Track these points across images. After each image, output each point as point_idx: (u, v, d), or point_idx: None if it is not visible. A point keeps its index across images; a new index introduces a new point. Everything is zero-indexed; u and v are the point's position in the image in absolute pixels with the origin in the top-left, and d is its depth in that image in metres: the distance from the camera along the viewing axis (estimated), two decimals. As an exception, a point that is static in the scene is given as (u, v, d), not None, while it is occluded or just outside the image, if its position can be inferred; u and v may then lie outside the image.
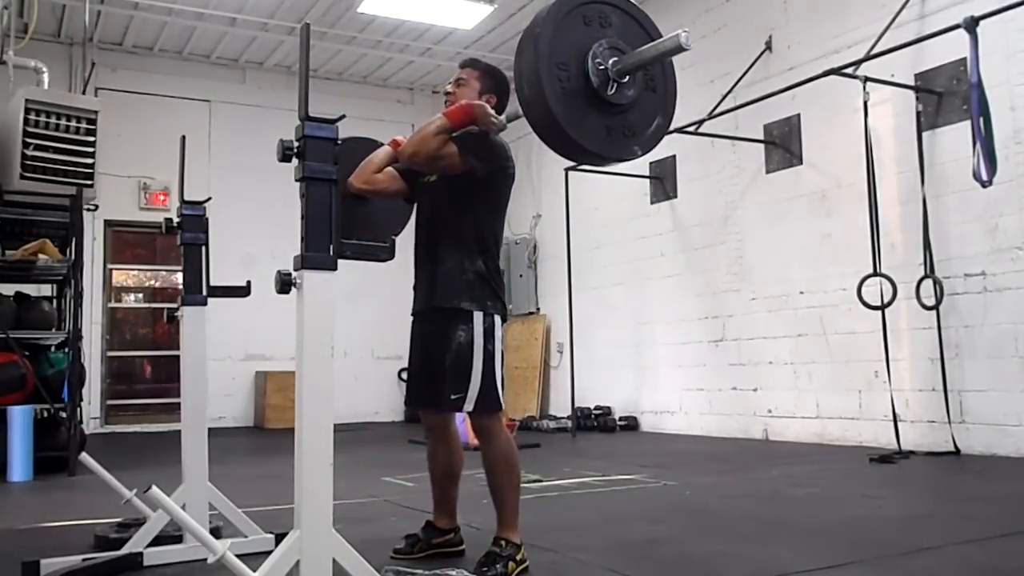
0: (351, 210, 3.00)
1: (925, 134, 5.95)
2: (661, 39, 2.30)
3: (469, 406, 2.71)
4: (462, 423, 7.26)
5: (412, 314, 2.95)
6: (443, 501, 3.03)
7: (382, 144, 3.01)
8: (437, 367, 2.75)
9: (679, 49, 2.17)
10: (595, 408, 8.80)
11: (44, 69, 6.58)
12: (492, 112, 2.71)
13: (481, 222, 2.82)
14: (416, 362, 2.90)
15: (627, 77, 2.31)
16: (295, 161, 2.03)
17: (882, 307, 5.73)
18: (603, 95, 2.28)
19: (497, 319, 2.77)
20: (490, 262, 2.81)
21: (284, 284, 1.95)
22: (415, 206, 3.05)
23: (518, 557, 2.67)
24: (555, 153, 2.43)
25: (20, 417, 5.46)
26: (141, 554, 2.87)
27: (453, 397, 2.71)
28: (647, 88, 2.42)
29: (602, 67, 2.28)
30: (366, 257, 2.08)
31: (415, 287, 2.95)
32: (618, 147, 2.38)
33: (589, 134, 2.30)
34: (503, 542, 2.68)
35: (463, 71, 2.99)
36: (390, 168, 2.92)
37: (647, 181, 8.66)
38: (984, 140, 4.92)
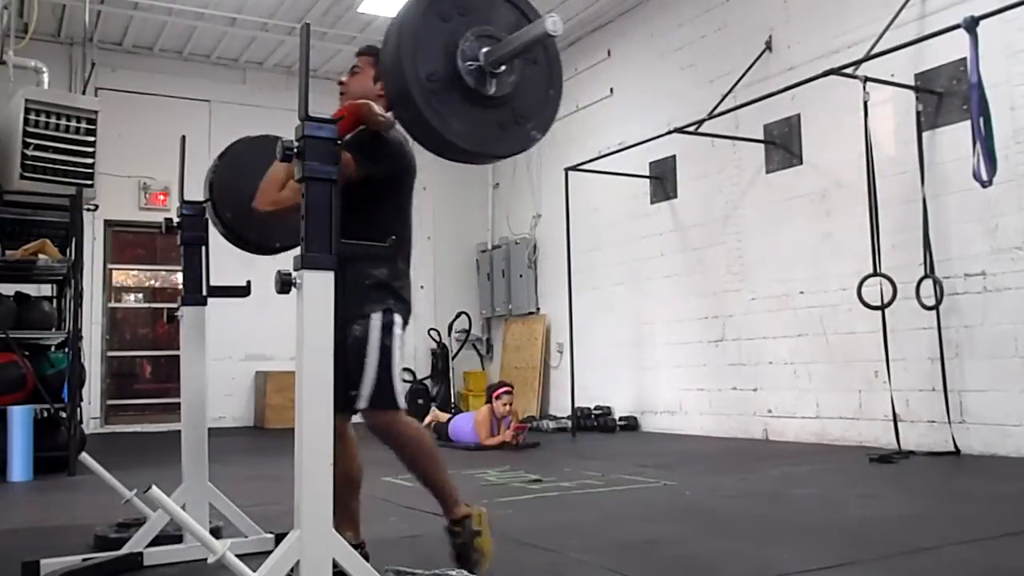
0: (263, 223, 2.95)
1: (925, 134, 5.95)
2: (527, 27, 2.09)
3: (363, 403, 2.57)
4: (464, 426, 7.29)
5: None
6: (344, 511, 2.71)
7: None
8: (338, 368, 2.66)
9: (547, 36, 1.98)
10: (595, 408, 8.80)
11: (44, 69, 6.58)
12: (378, 110, 2.50)
13: (383, 226, 2.59)
14: None
15: (503, 66, 2.11)
16: (295, 161, 2.03)
17: (882, 307, 5.73)
18: (484, 93, 2.09)
19: (397, 317, 2.62)
20: (394, 266, 2.68)
21: (284, 284, 1.95)
22: None
23: (475, 528, 2.64)
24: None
25: (20, 417, 5.46)
26: (141, 554, 2.87)
27: (352, 394, 2.56)
28: (528, 63, 2.20)
29: (472, 66, 2.07)
30: (367, 257, 2.08)
31: None
32: (515, 140, 2.20)
33: (482, 139, 2.12)
34: (455, 527, 2.64)
35: (359, 59, 2.85)
36: (293, 181, 2.74)
37: (647, 181, 8.66)
38: (984, 140, 4.91)
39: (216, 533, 3.01)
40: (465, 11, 2.11)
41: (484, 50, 2.08)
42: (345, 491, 2.66)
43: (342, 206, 2.51)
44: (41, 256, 5.85)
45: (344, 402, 2.53)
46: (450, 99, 2.05)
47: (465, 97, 2.08)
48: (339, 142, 2.35)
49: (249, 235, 3.15)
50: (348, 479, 2.72)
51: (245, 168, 2.93)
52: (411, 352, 11.12)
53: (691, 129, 7.32)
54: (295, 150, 2.00)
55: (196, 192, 3.16)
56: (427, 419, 8.02)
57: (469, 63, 2.07)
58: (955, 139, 5.73)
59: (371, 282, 2.61)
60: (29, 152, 5.72)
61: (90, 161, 5.97)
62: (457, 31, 2.08)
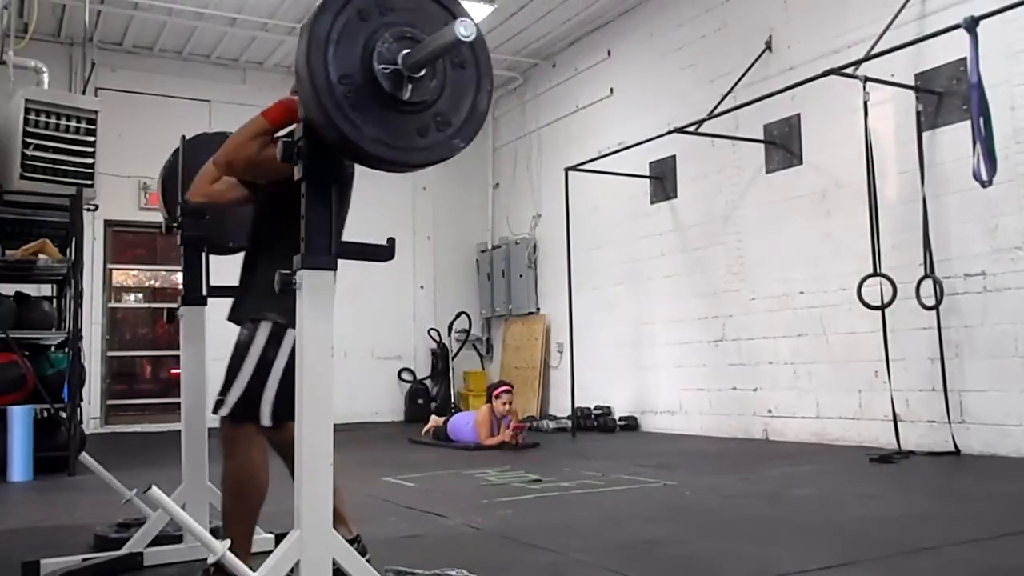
0: (202, 222, 2.94)
1: (925, 134, 5.95)
2: (441, 31, 1.91)
3: (225, 410, 2.40)
4: (463, 424, 7.29)
5: (228, 319, 2.68)
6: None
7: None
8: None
9: (458, 43, 1.83)
10: (595, 408, 8.80)
11: (44, 69, 6.58)
12: None
13: None
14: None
15: (423, 69, 1.95)
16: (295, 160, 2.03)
17: (882, 307, 5.73)
18: (400, 98, 1.93)
19: (291, 332, 2.34)
20: None
21: (284, 284, 1.95)
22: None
23: None
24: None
25: (20, 417, 5.46)
26: (141, 554, 2.88)
27: (218, 399, 2.44)
28: (455, 66, 2.04)
29: (388, 69, 1.91)
30: (366, 257, 2.08)
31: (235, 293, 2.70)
32: (437, 148, 2.02)
33: (399, 147, 1.96)
34: (210, 570, 2.29)
35: None
36: (226, 177, 2.68)
37: (647, 181, 8.66)
38: (984, 140, 4.91)
39: (216, 533, 3.00)
40: (386, 10, 1.95)
41: (404, 52, 1.92)
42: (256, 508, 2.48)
43: (279, 208, 2.41)
44: (41, 256, 5.85)
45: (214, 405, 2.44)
46: (364, 104, 1.90)
47: (381, 102, 1.92)
48: (274, 137, 2.32)
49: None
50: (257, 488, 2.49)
51: (199, 164, 2.87)
52: (411, 352, 11.13)
53: (691, 129, 7.32)
54: (296, 150, 1.99)
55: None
56: (427, 426, 8.00)
57: (384, 66, 1.91)
58: (955, 139, 5.73)
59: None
60: (29, 152, 5.73)
61: (90, 161, 5.97)
62: (376, 31, 1.92)
